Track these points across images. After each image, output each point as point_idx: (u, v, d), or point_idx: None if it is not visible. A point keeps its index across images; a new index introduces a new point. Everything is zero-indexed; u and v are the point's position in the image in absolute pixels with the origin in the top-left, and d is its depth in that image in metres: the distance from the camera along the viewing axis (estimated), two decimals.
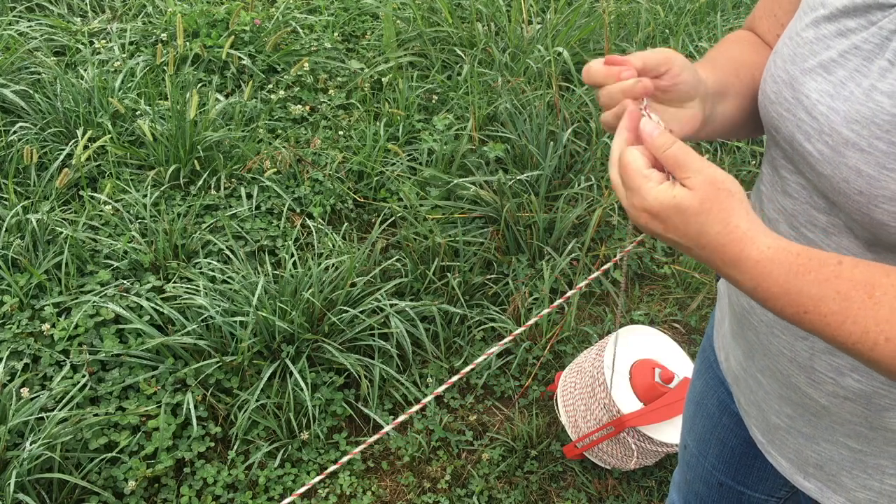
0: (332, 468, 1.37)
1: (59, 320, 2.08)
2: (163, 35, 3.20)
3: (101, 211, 2.40)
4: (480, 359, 1.71)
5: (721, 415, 1.13)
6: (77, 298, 2.12)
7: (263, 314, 2.05)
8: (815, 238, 0.78)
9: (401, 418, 1.46)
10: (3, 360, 1.96)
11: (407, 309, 2.22)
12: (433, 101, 3.06)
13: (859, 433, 0.82)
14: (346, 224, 2.56)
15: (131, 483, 1.84)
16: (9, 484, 1.68)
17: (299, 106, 2.98)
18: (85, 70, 2.91)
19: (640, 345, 1.99)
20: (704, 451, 1.21)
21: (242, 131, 2.78)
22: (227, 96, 2.97)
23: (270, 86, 3.07)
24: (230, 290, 2.15)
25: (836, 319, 0.63)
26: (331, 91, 3.11)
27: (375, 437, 1.38)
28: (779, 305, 0.66)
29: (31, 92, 2.78)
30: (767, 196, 0.85)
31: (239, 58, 3.09)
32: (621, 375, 1.92)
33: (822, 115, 0.70)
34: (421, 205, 2.57)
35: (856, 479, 0.85)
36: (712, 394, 1.15)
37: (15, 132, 2.64)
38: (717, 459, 1.18)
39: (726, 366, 1.05)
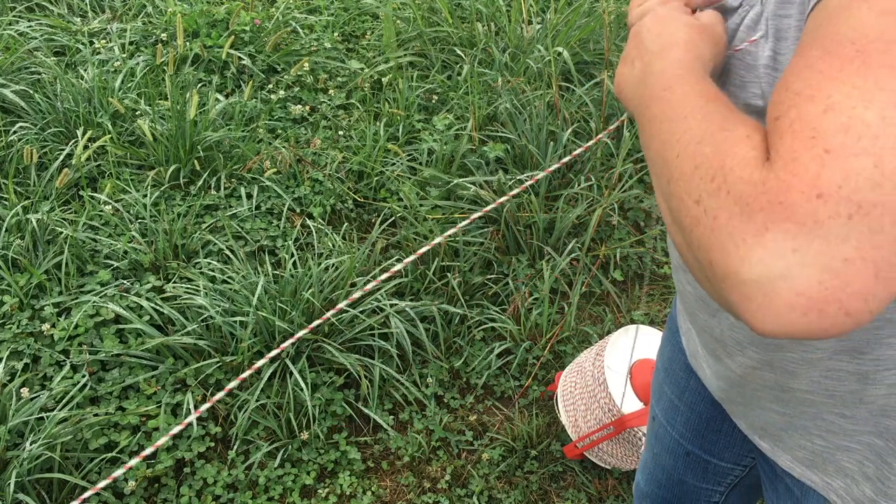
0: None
1: (59, 320, 2.08)
2: (163, 35, 3.20)
3: (101, 211, 2.40)
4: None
5: (689, 378, 1.15)
6: (77, 298, 2.12)
7: (263, 314, 2.05)
8: None
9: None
10: (3, 360, 1.96)
11: (407, 309, 2.22)
12: (433, 101, 3.06)
13: (777, 397, 0.86)
14: (346, 224, 2.56)
15: (131, 483, 1.84)
16: (9, 484, 1.68)
17: (299, 106, 2.98)
18: (85, 70, 2.91)
19: (640, 345, 1.99)
20: (672, 418, 1.22)
21: (242, 131, 2.78)
22: (227, 96, 2.97)
23: (270, 86, 3.07)
24: (230, 290, 2.15)
25: (679, 96, 0.63)
26: (331, 91, 3.11)
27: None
28: (654, 87, 0.67)
29: (31, 92, 2.78)
30: None
31: (239, 58, 3.09)
32: (621, 375, 1.92)
33: None
34: (421, 205, 2.57)
35: (792, 438, 0.90)
36: (679, 358, 1.16)
37: (15, 132, 2.64)
38: (685, 427, 1.20)
39: (685, 340, 1.11)
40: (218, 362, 2.03)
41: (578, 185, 2.64)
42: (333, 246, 2.39)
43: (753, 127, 0.54)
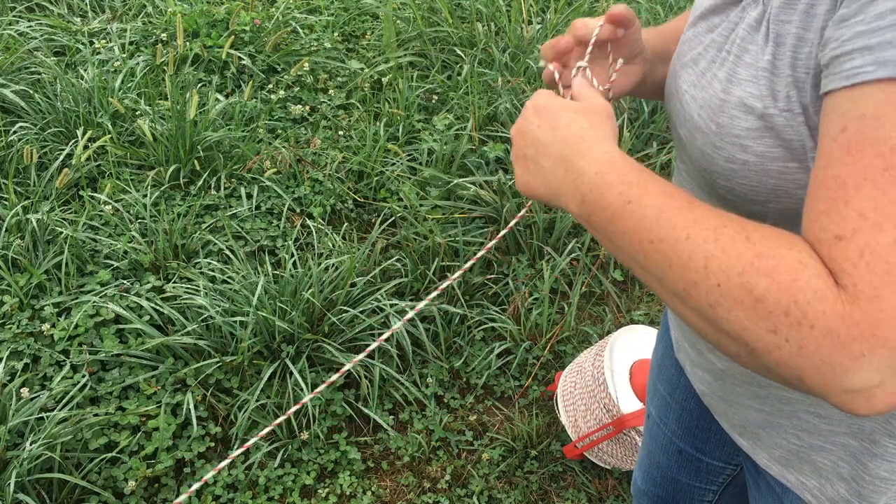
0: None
1: (59, 320, 2.08)
2: (163, 35, 3.20)
3: (101, 211, 2.40)
4: None
5: (679, 375, 1.16)
6: (77, 298, 2.12)
7: (263, 314, 2.05)
8: None
9: None
10: (3, 360, 1.96)
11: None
12: (433, 101, 3.06)
13: (756, 393, 0.88)
14: (346, 224, 2.56)
15: (131, 483, 1.84)
16: (9, 484, 1.68)
17: (299, 106, 2.98)
18: (85, 70, 2.91)
19: (640, 345, 1.99)
20: (665, 416, 1.23)
21: (242, 131, 2.78)
22: (227, 96, 2.97)
23: (270, 86, 3.07)
24: (230, 290, 2.16)
25: (654, 210, 0.62)
26: (331, 91, 3.11)
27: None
28: (610, 198, 0.66)
29: (31, 92, 2.78)
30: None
31: (239, 58, 3.09)
32: (621, 375, 1.92)
33: (686, 104, 0.78)
34: (421, 205, 2.57)
35: (770, 436, 0.91)
36: (671, 355, 1.17)
37: (15, 132, 2.64)
38: (677, 425, 1.21)
39: (674, 337, 1.12)
40: (218, 362, 2.03)
41: None
42: (333, 246, 2.39)
43: (796, 248, 0.56)
